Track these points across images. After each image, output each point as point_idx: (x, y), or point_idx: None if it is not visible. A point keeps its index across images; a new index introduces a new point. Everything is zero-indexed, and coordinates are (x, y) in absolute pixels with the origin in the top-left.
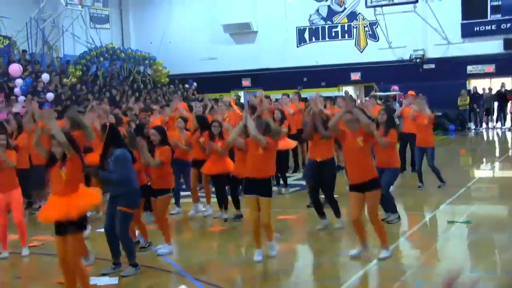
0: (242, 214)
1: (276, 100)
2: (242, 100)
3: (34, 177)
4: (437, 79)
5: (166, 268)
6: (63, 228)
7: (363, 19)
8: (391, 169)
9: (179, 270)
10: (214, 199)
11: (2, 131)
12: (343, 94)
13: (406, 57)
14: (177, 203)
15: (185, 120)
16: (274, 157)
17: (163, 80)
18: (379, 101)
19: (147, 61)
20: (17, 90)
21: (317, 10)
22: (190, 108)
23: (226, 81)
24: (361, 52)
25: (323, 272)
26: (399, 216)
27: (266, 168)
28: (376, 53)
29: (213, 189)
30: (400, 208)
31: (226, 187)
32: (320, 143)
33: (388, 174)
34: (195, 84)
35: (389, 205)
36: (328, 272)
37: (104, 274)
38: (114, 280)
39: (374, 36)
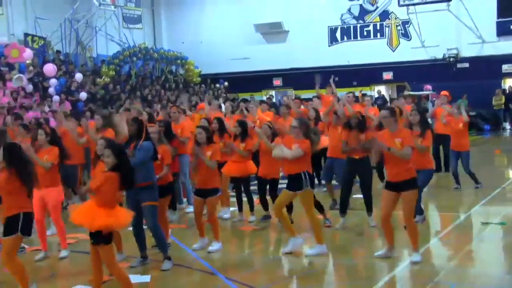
0: (270, 215)
1: (306, 100)
2: (274, 100)
3: (64, 175)
4: (471, 79)
5: (197, 267)
6: (94, 236)
7: (395, 18)
8: (426, 171)
9: (210, 269)
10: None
11: (43, 127)
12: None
13: (439, 56)
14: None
15: (209, 120)
16: (306, 156)
17: (194, 80)
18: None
19: (179, 61)
20: (51, 90)
21: (349, 9)
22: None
23: (257, 80)
24: (393, 51)
25: (354, 272)
26: (424, 218)
27: (298, 165)
28: (408, 52)
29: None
30: (433, 208)
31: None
32: (360, 142)
33: (423, 176)
34: (225, 83)
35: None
36: (360, 272)
37: (132, 267)
38: (146, 278)
39: (406, 35)
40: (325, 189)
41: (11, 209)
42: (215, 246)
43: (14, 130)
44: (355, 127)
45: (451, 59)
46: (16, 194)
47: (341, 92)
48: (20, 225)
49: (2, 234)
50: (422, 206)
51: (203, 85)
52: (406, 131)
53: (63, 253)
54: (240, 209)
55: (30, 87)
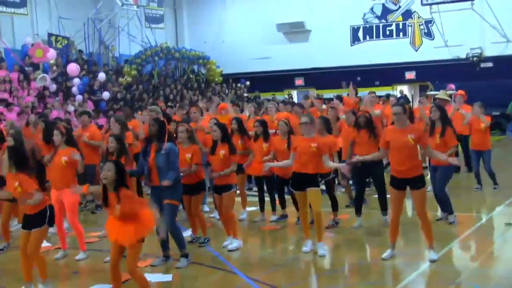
0: (287, 214)
1: (328, 99)
2: (295, 99)
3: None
4: (495, 78)
5: (219, 266)
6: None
7: (418, 17)
8: (446, 167)
9: (231, 268)
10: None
11: (59, 127)
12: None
13: (463, 55)
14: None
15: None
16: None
17: (216, 79)
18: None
19: (200, 60)
20: (74, 89)
21: (372, 9)
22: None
23: (279, 80)
24: (416, 51)
25: (375, 273)
26: (455, 217)
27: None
28: (431, 51)
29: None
30: (455, 209)
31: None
32: (369, 141)
33: (443, 172)
34: (247, 83)
35: (446, 205)
36: (381, 273)
37: (153, 266)
38: (168, 277)
39: (429, 35)
40: (343, 189)
41: (36, 206)
42: (234, 243)
43: (32, 130)
44: (364, 126)
45: (475, 59)
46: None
47: (363, 92)
48: (48, 217)
49: (26, 228)
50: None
51: (224, 85)
52: (419, 127)
53: (81, 255)
54: (262, 208)
55: (53, 87)
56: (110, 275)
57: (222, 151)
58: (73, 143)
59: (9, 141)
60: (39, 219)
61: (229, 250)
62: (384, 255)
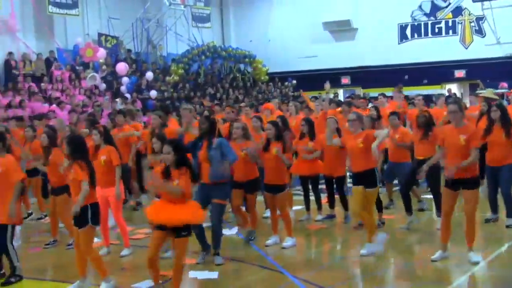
0: (335, 214)
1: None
2: (341, 98)
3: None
4: None
5: (265, 264)
6: (175, 231)
7: (469, 14)
8: (510, 165)
9: (277, 267)
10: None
11: (98, 127)
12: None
13: None
14: None
15: (261, 119)
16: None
17: (262, 78)
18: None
19: (247, 59)
20: (123, 88)
21: (420, 6)
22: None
23: (325, 79)
24: (466, 49)
25: (421, 274)
26: (497, 218)
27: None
28: (482, 49)
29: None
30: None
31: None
32: (424, 142)
33: (508, 170)
34: (294, 81)
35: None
36: (427, 275)
37: (198, 264)
38: (214, 275)
39: (480, 32)
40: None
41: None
42: (288, 241)
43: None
44: (422, 125)
45: None
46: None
47: (411, 91)
48: (90, 216)
49: (75, 225)
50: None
51: (270, 84)
52: (473, 128)
53: (125, 251)
54: (308, 208)
55: (103, 86)
56: (148, 264)
57: (275, 148)
58: (112, 143)
59: (66, 132)
60: (82, 218)
61: (283, 248)
62: (434, 256)
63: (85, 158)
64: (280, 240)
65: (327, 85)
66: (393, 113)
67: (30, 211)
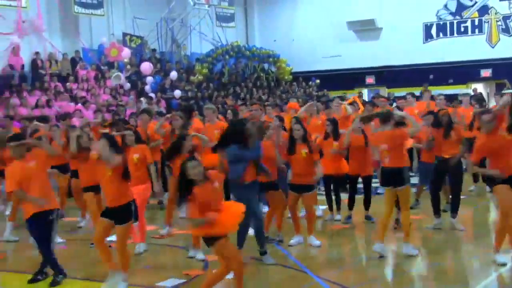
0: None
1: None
2: (365, 98)
3: None
4: None
5: (288, 264)
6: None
7: (495, 13)
8: None
9: (301, 267)
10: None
11: (129, 127)
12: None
13: None
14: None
15: (282, 119)
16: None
17: (286, 78)
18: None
19: (271, 59)
20: (147, 88)
21: (445, 5)
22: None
23: (349, 78)
24: (493, 48)
25: (446, 275)
26: None
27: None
28: (509, 48)
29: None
30: None
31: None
32: (449, 141)
33: None
34: (317, 81)
35: None
36: (452, 276)
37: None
38: None
39: (507, 31)
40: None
41: (121, 199)
42: (315, 241)
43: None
44: (444, 125)
45: None
46: (126, 183)
47: (436, 91)
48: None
49: (110, 218)
50: None
51: (294, 83)
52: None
53: (142, 246)
54: (331, 208)
55: (127, 85)
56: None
57: (303, 150)
58: (142, 141)
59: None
60: (126, 214)
61: (313, 246)
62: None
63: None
64: (303, 240)
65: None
66: (430, 113)
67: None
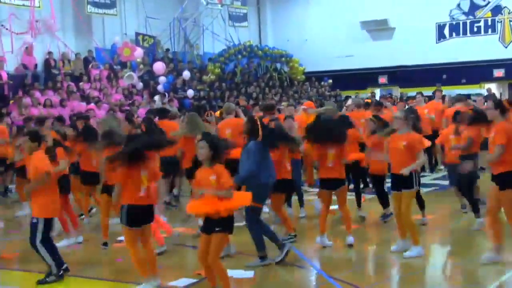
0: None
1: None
2: (377, 97)
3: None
4: None
5: (301, 264)
6: (210, 226)
7: (509, 13)
8: None
9: (314, 267)
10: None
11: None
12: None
13: None
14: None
15: (293, 118)
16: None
17: (299, 77)
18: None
19: (283, 59)
20: (160, 87)
21: (458, 5)
22: (322, 105)
23: (362, 78)
24: (506, 48)
25: (461, 275)
26: None
27: (410, 162)
28: None
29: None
30: None
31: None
32: (458, 138)
33: None
34: (330, 80)
35: None
36: (468, 275)
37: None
38: (249, 274)
39: None
40: None
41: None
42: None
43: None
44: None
45: None
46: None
47: (450, 90)
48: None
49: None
50: None
51: (307, 83)
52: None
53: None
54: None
55: (140, 85)
56: (204, 267)
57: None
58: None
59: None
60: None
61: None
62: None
63: None
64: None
65: None
66: (458, 112)
67: None
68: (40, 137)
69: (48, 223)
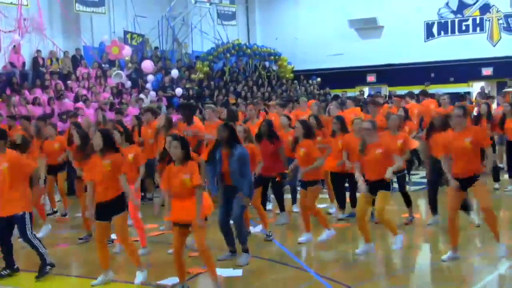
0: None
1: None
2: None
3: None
4: None
5: (289, 263)
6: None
7: (497, 11)
8: None
9: (302, 265)
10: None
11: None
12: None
13: None
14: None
15: (289, 118)
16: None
17: (287, 76)
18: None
19: (272, 57)
20: (148, 86)
21: (447, 4)
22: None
23: (351, 76)
24: (494, 46)
25: (449, 273)
26: None
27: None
28: (510, 46)
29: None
30: None
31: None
32: None
33: None
34: (318, 79)
35: None
36: (453, 274)
37: (219, 260)
38: (238, 272)
39: (509, 29)
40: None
41: (114, 191)
42: (324, 235)
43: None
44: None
45: None
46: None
47: (438, 89)
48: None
49: (113, 214)
50: None
51: (295, 81)
52: (476, 128)
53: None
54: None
55: (128, 83)
56: (175, 263)
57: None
58: (133, 141)
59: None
60: (121, 204)
61: (319, 241)
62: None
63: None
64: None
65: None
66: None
67: (55, 209)
68: (5, 136)
69: (30, 215)
